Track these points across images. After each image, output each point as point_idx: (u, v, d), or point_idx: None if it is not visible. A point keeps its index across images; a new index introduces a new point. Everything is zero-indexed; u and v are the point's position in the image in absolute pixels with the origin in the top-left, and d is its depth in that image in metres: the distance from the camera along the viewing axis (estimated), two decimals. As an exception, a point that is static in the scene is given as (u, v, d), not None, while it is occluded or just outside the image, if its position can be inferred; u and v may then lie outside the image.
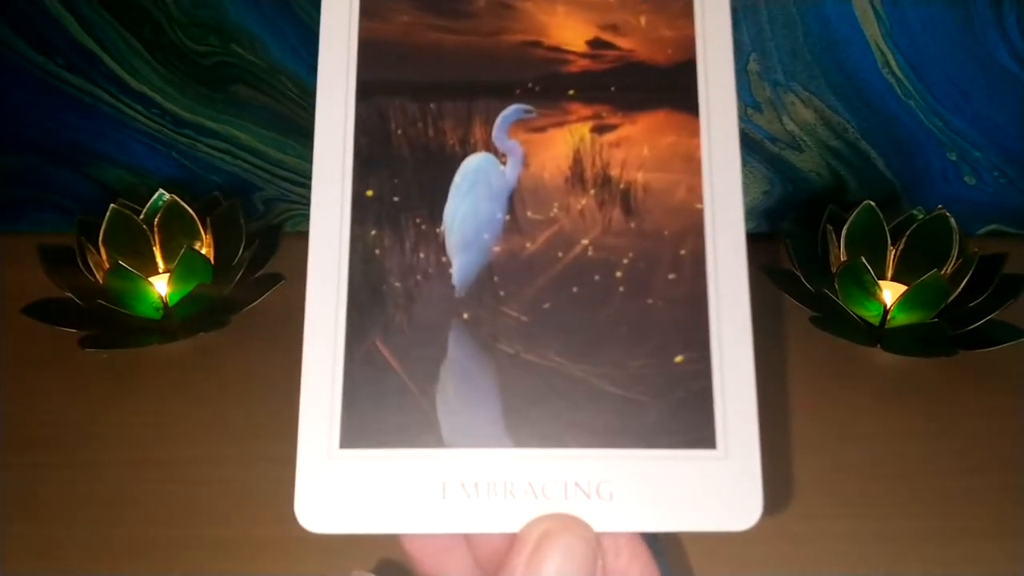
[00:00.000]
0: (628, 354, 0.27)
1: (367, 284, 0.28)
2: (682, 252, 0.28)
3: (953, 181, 0.67)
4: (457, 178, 0.28)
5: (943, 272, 0.57)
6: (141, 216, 0.62)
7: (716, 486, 0.26)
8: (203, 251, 0.62)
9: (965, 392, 0.56)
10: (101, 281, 0.60)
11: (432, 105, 0.29)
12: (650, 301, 0.28)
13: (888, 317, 0.58)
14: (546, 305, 0.28)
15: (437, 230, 0.28)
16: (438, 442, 0.27)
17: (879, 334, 0.59)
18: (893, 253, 0.61)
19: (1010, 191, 0.67)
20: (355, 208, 0.28)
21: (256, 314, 0.60)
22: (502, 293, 0.28)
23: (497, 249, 0.28)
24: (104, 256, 0.60)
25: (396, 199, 0.28)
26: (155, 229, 0.62)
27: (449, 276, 0.28)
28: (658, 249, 0.28)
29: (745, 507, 0.26)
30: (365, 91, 0.29)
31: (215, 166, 0.68)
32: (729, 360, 0.27)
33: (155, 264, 0.62)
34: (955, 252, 0.58)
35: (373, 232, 0.28)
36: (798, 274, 0.61)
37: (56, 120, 0.65)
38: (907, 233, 0.60)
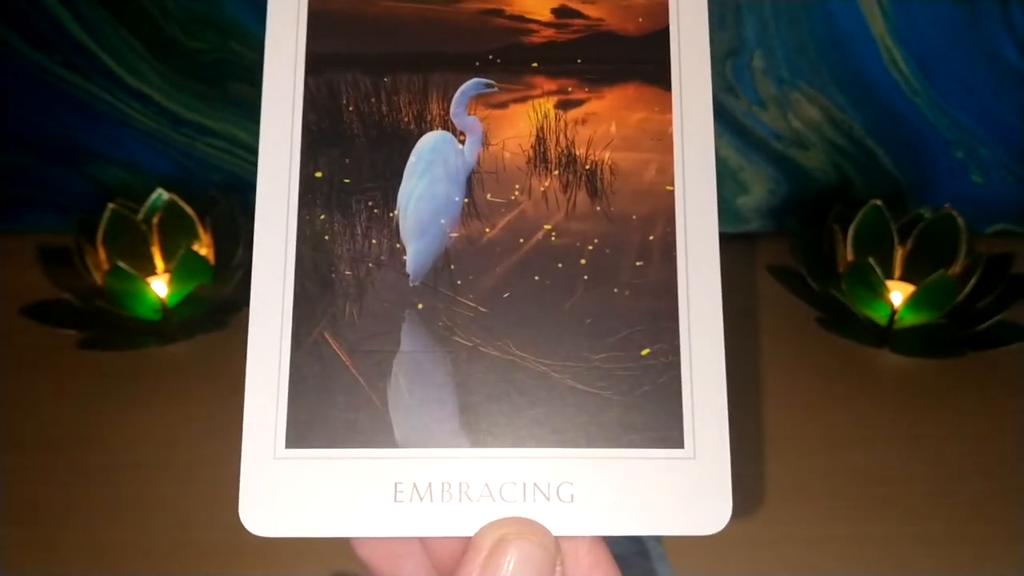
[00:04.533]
0: (592, 347, 0.25)
1: (315, 272, 0.26)
2: (651, 238, 0.26)
3: (960, 179, 0.66)
4: (412, 158, 0.27)
5: (950, 272, 0.56)
6: (140, 216, 0.61)
7: (683, 488, 0.24)
8: (202, 251, 0.61)
9: (974, 394, 0.55)
10: (100, 282, 0.59)
11: (386, 79, 0.27)
12: (616, 290, 0.26)
13: (896, 318, 0.57)
14: (506, 295, 0.26)
15: (390, 214, 0.27)
16: (390, 442, 0.25)
17: (886, 335, 0.58)
18: (900, 253, 0.60)
19: (1018, 189, 0.66)
20: (303, 191, 0.26)
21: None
22: (459, 282, 0.26)
23: (454, 235, 0.26)
24: (103, 256, 0.60)
25: (347, 181, 0.27)
26: (154, 229, 0.61)
27: (403, 264, 0.26)
28: (625, 234, 0.26)
29: (713, 511, 0.24)
30: (315, 64, 0.27)
31: (214, 164, 0.67)
32: (699, 354, 0.25)
33: (154, 265, 0.61)
34: (963, 252, 0.57)
35: (322, 216, 0.26)
36: (803, 274, 0.60)
37: (53, 118, 0.65)
38: (914, 232, 0.59)
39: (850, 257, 0.59)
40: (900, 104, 0.63)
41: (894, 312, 0.57)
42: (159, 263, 0.61)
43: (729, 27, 0.59)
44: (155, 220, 0.61)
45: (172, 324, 0.59)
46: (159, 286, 0.59)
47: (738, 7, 0.59)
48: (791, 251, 0.61)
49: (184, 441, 0.53)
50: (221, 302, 0.60)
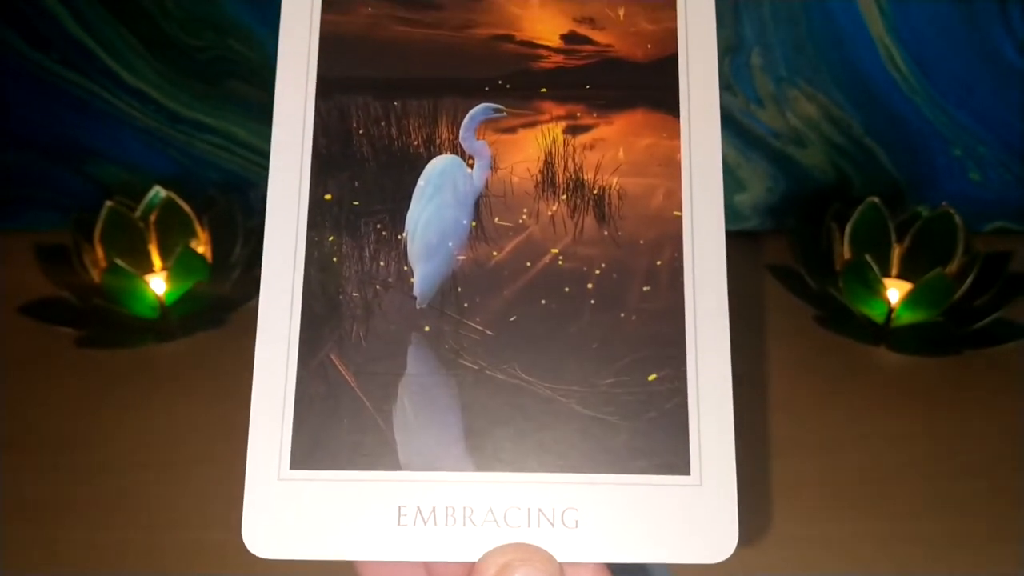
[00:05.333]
0: (598, 372, 0.25)
1: (323, 293, 0.26)
2: (658, 263, 0.26)
3: (958, 178, 0.66)
4: (421, 181, 0.27)
5: (948, 270, 0.56)
6: (137, 213, 0.61)
7: (689, 515, 0.24)
8: (200, 249, 0.61)
9: (971, 392, 0.55)
10: (97, 280, 0.59)
11: (396, 103, 0.27)
12: (623, 315, 0.26)
13: (893, 316, 0.57)
14: (512, 318, 0.26)
15: (399, 237, 0.27)
16: (394, 464, 0.25)
17: (884, 333, 0.58)
18: (897, 251, 0.59)
19: (1015, 188, 0.66)
20: (312, 212, 0.26)
21: (254, 312, 0.59)
22: (466, 305, 0.26)
23: (462, 258, 0.27)
24: (100, 254, 0.60)
25: (356, 203, 0.27)
26: (151, 227, 0.61)
27: (410, 286, 0.26)
28: (633, 259, 0.26)
29: (719, 538, 0.24)
30: (326, 88, 0.27)
31: (212, 162, 0.67)
32: (706, 380, 0.25)
33: (152, 262, 0.61)
34: (960, 250, 0.57)
35: (331, 238, 0.26)
36: (801, 272, 0.60)
37: (51, 116, 0.64)
38: (912, 231, 0.59)
39: (848, 255, 0.59)
40: (898, 102, 0.62)
41: (891, 310, 0.56)
42: (157, 261, 0.61)
43: (727, 25, 0.59)
44: (152, 218, 0.60)
45: (170, 322, 0.59)
46: (157, 284, 0.59)
47: (736, 5, 0.58)
48: (789, 249, 0.61)
49: (183, 439, 0.53)
50: (219, 299, 0.60)
